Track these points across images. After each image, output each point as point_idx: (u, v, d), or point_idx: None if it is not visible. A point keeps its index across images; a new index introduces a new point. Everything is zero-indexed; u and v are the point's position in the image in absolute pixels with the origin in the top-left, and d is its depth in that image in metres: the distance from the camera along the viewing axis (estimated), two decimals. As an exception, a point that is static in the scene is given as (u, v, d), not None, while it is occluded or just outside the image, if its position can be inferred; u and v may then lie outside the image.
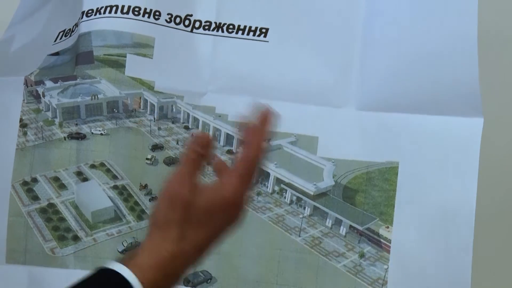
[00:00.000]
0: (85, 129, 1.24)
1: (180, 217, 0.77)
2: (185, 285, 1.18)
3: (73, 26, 1.23)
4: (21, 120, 1.24)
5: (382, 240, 1.15)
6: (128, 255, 0.76)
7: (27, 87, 1.25)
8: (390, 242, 1.14)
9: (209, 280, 1.18)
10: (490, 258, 1.36)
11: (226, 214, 0.79)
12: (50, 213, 1.23)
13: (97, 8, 1.21)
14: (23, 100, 1.25)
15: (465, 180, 1.13)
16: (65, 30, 1.25)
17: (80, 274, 1.17)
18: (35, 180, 1.23)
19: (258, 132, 0.81)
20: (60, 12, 1.27)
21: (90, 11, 1.21)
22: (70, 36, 1.24)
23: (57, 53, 1.25)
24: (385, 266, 1.14)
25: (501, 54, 1.37)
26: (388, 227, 1.15)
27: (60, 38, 1.25)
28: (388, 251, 1.15)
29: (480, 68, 1.10)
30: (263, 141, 0.81)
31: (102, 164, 1.23)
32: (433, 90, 1.13)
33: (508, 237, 1.43)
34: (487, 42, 1.15)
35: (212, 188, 0.79)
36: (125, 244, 1.21)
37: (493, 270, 1.39)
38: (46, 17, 1.27)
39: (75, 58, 1.23)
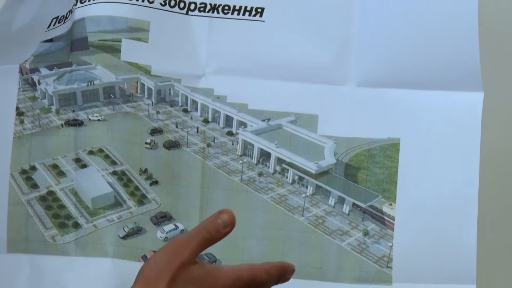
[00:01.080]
0: (82, 115, 1.23)
1: (171, 276, 0.76)
2: (189, 269, 1.17)
3: (67, 13, 1.22)
4: (17, 108, 1.23)
5: (385, 217, 1.15)
6: None
7: (22, 75, 1.24)
8: (393, 220, 1.14)
9: (214, 263, 1.18)
10: (494, 233, 1.36)
11: None
12: (49, 200, 1.22)
13: None
14: (19, 88, 1.24)
15: (467, 154, 1.12)
16: (58, 16, 1.24)
17: (82, 261, 1.19)
18: (33, 168, 1.23)
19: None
20: None
21: (84, -3, 1.20)
22: (64, 22, 1.23)
23: (50, 40, 1.24)
24: (390, 244, 1.14)
25: (501, 29, 1.37)
26: (391, 204, 1.14)
27: (54, 25, 1.24)
28: (392, 228, 1.14)
29: (480, 42, 1.10)
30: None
31: (101, 150, 1.22)
32: (433, 65, 1.13)
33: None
34: (487, 17, 1.15)
35: (210, 267, 0.80)
36: (126, 230, 1.21)
37: (497, 246, 1.39)
38: (37, 3, 1.26)
39: (70, 44, 1.22)
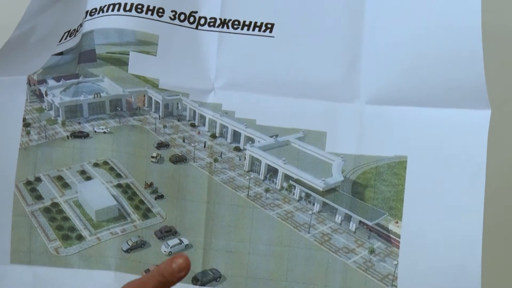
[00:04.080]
0: (88, 127, 1.22)
1: None
2: (194, 284, 1.17)
3: (78, 26, 1.22)
4: (24, 119, 1.23)
5: (391, 235, 1.14)
6: None
7: (30, 86, 1.23)
8: (399, 237, 1.14)
9: (218, 279, 1.17)
10: (500, 252, 1.36)
11: None
12: (53, 212, 1.22)
13: (101, 7, 1.20)
14: (26, 99, 1.23)
15: (473, 172, 1.12)
16: (70, 30, 1.24)
17: (84, 273, 1.19)
18: (38, 179, 1.22)
19: None
20: (66, 12, 1.26)
21: (93, 10, 1.20)
22: (74, 36, 1.23)
23: (61, 53, 1.24)
24: (395, 262, 1.14)
25: (506, 46, 1.38)
26: (397, 222, 1.14)
27: (65, 39, 1.25)
28: (398, 247, 1.14)
29: (485, 60, 1.11)
30: None
31: (106, 163, 1.22)
32: (439, 83, 1.13)
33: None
34: (492, 35, 1.15)
35: None
36: (130, 243, 1.20)
37: (503, 265, 1.39)
38: (54, 17, 1.26)
39: (78, 56, 1.22)
